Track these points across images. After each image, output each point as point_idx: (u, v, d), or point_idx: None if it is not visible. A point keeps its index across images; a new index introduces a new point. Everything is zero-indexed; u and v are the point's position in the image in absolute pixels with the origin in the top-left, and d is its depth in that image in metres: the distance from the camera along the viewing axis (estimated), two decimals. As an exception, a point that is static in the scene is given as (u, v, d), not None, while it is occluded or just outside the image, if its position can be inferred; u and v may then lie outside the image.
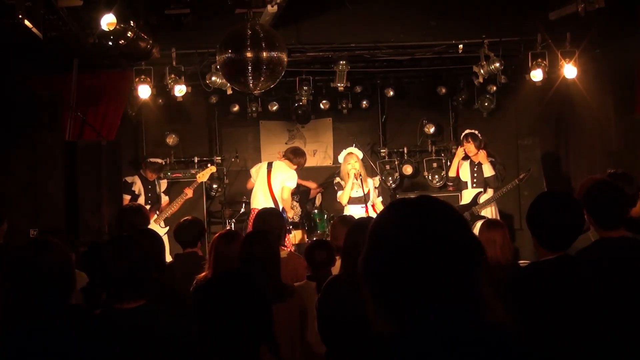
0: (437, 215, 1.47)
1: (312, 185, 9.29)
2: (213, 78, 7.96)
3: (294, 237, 8.01)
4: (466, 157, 8.20)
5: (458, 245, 1.44)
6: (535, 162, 9.33)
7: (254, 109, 9.64)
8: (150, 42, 6.91)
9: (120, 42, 6.53)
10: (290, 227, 7.71)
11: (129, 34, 6.51)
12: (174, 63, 7.84)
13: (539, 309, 2.74)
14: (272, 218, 5.10)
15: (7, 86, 6.72)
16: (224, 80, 7.51)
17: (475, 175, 8.14)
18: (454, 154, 8.45)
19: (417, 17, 7.73)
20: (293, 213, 8.24)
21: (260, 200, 7.86)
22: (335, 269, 4.33)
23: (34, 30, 5.39)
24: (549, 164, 9.64)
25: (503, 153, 8.83)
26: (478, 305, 1.42)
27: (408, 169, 10.06)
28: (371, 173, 8.61)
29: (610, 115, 8.74)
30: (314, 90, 9.14)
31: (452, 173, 8.43)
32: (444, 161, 9.90)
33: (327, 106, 9.83)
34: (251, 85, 6.22)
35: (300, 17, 7.51)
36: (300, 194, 8.95)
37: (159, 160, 8.56)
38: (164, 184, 8.67)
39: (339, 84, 8.41)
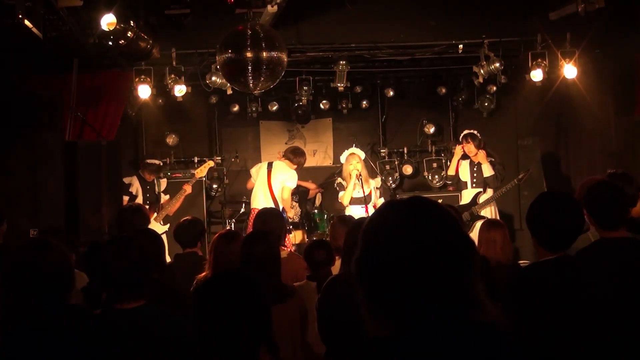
0: (429, 216, 1.47)
1: (311, 186, 9.29)
2: (213, 78, 7.96)
3: (294, 237, 8.01)
4: (465, 156, 8.20)
5: (451, 246, 1.44)
6: (535, 162, 9.33)
7: (254, 109, 9.65)
8: (150, 42, 6.92)
9: (120, 42, 6.54)
10: (291, 227, 7.71)
11: (129, 34, 6.51)
12: (174, 63, 7.84)
13: (539, 309, 2.74)
14: (272, 218, 5.10)
15: (7, 86, 6.72)
16: (224, 80, 7.51)
17: (475, 175, 8.14)
18: (454, 153, 8.46)
19: (417, 17, 7.73)
20: (293, 213, 8.24)
21: (260, 200, 7.85)
22: (335, 269, 4.33)
23: (34, 30, 5.38)
24: (549, 164, 9.64)
25: (503, 153, 8.83)
26: (473, 304, 1.42)
27: (408, 169, 10.06)
28: (372, 173, 8.61)
29: (610, 115, 8.74)
30: (314, 90, 9.14)
31: (451, 172, 8.43)
32: (444, 161, 9.89)
33: (327, 106, 9.83)
34: (251, 85, 6.22)
35: (300, 17, 7.50)
36: (298, 194, 8.95)
37: (156, 162, 8.54)
38: (163, 183, 8.66)
39: (339, 84, 8.41)
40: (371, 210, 7.61)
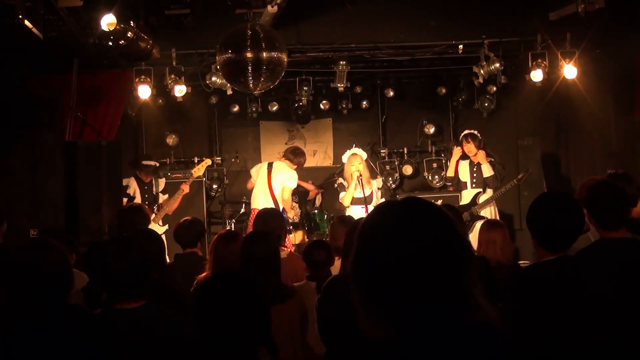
0: (427, 216, 1.47)
1: (310, 187, 9.28)
2: (213, 78, 7.96)
3: (294, 237, 8.01)
4: (465, 157, 8.20)
5: (449, 246, 1.44)
6: (535, 162, 9.33)
7: (254, 109, 9.65)
8: (150, 42, 6.91)
9: (120, 42, 6.53)
10: (291, 227, 7.71)
11: (129, 34, 6.51)
12: (174, 63, 7.84)
13: (539, 309, 2.74)
14: (272, 218, 5.10)
15: (7, 86, 6.72)
16: (224, 81, 7.51)
17: (475, 175, 8.14)
18: (452, 154, 8.47)
19: (417, 17, 7.73)
20: (293, 213, 8.24)
21: (260, 201, 7.85)
22: (335, 269, 4.33)
23: (34, 30, 5.38)
24: (549, 164, 9.64)
25: (503, 153, 8.83)
26: (471, 305, 1.42)
27: (408, 170, 10.06)
28: (373, 174, 8.61)
29: (610, 116, 8.74)
30: (314, 90, 9.14)
31: (450, 173, 8.44)
32: (444, 161, 9.89)
33: (327, 106, 9.83)
34: (251, 85, 6.22)
35: (300, 17, 7.51)
36: (299, 194, 8.95)
37: (152, 163, 8.48)
38: (162, 183, 8.64)
39: (339, 84, 8.41)
40: (372, 211, 7.59)
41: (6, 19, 5.13)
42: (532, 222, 2.97)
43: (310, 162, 9.47)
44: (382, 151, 10.08)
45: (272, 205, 7.64)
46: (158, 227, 7.72)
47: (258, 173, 8.10)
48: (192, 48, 7.76)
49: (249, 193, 8.33)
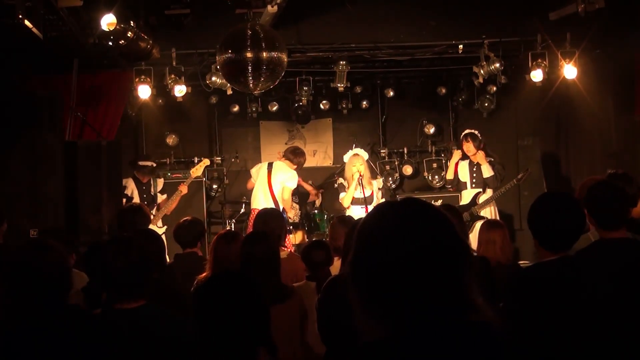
0: (425, 217, 1.47)
1: (310, 189, 9.25)
2: (213, 78, 7.96)
3: (294, 237, 8.01)
4: (465, 157, 8.20)
5: (446, 246, 1.44)
6: (535, 162, 9.33)
7: (254, 109, 9.65)
8: (150, 42, 6.91)
9: (120, 42, 6.53)
10: (291, 227, 7.71)
11: (129, 34, 6.50)
12: (174, 63, 7.84)
13: (540, 309, 2.74)
14: (272, 219, 5.10)
15: (7, 86, 6.72)
16: (224, 81, 7.51)
17: (475, 175, 8.15)
18: (452, 156, 8.47)
19: (417, 17, 7.73)
20: (293, 213, 8.23)
21: (260, 201, 7.85)
22: (335, 269, 4.33)
23: (34, 30, 5.38)
24: (549, 164, 9.64)
25: (503, 153, 8.83)
26: (469, 305, 1.42)
27: (408, 170, 10.06)
28: (373, 174, 8.61)
29: (610, 116, 8.74)
30: (314, 90, 9.14)
31: (449, 176, 8.46)
32: (444, 161, 9.89)
33: (327, 106, 9.83)
34: (251, 85, 6.22)
35: (300, 17, 7.51)
36: (299, 194, 8.94)
37: (148, 164, 8.43)
38: (160, 183, 8.61)
39: (339, 84, 8.41)
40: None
41: (6, 19, 5.14)
42: (533, 223, 2.97)
43: (310, 162, 9.46)
44: (382, 151, 10.08)
45: (272, 205, 7.64)
46: (157, 228, 7.70)
47: (258, 173, 8.10)
48: (192, 48, 7.76)
49: (249, 193, 8.33)
